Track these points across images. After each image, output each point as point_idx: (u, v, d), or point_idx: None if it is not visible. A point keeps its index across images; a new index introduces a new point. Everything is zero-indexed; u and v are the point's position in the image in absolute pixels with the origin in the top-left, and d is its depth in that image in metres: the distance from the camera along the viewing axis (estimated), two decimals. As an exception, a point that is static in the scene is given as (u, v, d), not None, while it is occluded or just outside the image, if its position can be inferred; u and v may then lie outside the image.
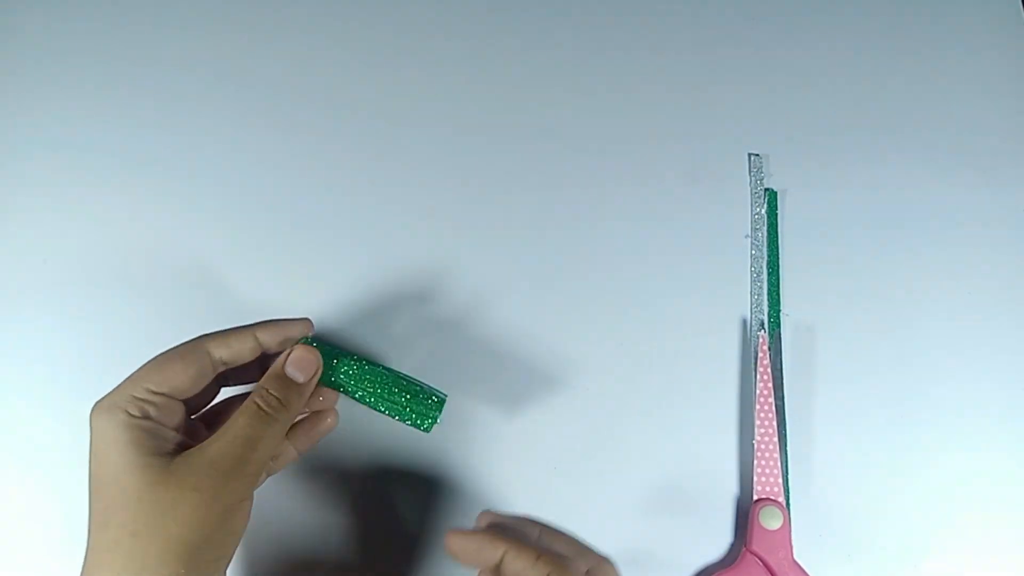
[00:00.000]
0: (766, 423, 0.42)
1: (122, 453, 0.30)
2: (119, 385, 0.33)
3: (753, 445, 0.41)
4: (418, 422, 0.37)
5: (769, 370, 0.43)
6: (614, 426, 0.42)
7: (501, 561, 0.30)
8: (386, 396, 0.37)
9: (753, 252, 0.46)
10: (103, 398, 0.32)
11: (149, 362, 0.33)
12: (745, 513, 0.41)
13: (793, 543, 0.39)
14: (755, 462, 0.41)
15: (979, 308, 0.46)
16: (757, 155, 0.48)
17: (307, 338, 0.37)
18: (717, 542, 0.40)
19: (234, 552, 0.32)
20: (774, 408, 0.42)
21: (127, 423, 0.31)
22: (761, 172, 0.48)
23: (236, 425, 0.32)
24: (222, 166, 0.47)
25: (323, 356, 0.36)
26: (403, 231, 0.46)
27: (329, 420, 0.39)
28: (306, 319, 0.37)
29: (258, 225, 0.46)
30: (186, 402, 0.34)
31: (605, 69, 0.51)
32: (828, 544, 0.40)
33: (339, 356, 0.37)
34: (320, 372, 0.36)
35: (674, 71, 0.51)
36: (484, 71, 0.51)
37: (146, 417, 0.32)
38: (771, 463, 0.41)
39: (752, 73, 0.51)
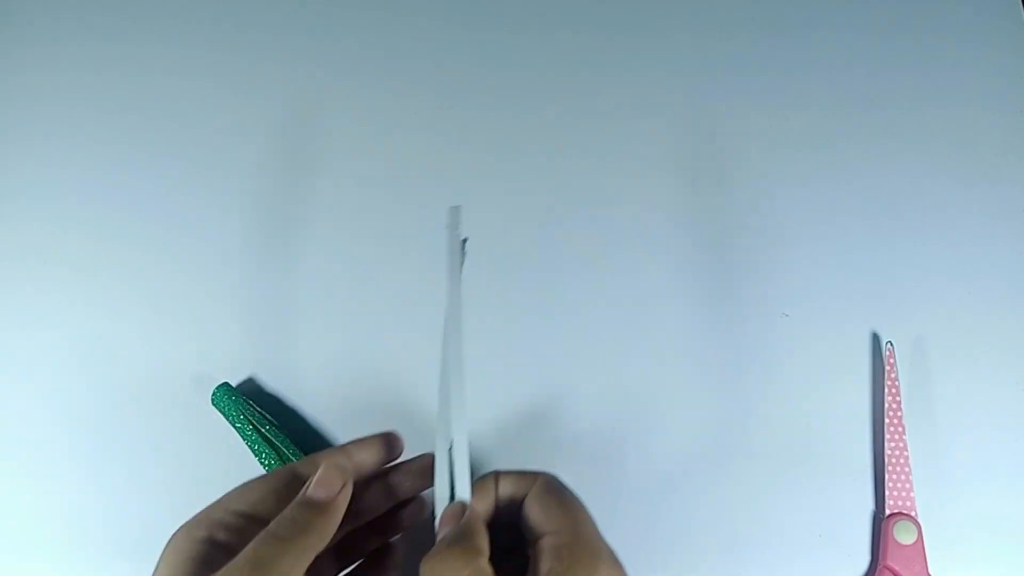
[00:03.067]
0: (896, 436, 0.42)
1: (166, 565, 0.30)
2: (205, 508, 0.32)
3: (884, 460, 0.41)
4: None
5: (897, 383, 0.43)
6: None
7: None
8: None
9: None
10: (187, 522, 0.32)
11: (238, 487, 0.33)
12: (880, 529, 0.41)
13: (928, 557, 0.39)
14: (887, 476, 0.41)
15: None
16: None
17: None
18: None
19: None
20: (903, 421, 0.42)
21: (185, 538, 0.30)
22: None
23: (245, 550, 0.30)
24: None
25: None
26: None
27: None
28: (388, 434, 0.36)
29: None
30: None
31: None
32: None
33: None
34: (349, 491, 0.32)
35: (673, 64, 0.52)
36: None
37: (210, 539, 0.30)
38: (903, 477, 0.41)
39: (752, 73, 0.51)
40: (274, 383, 0.44)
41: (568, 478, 0.32)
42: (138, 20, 0.54)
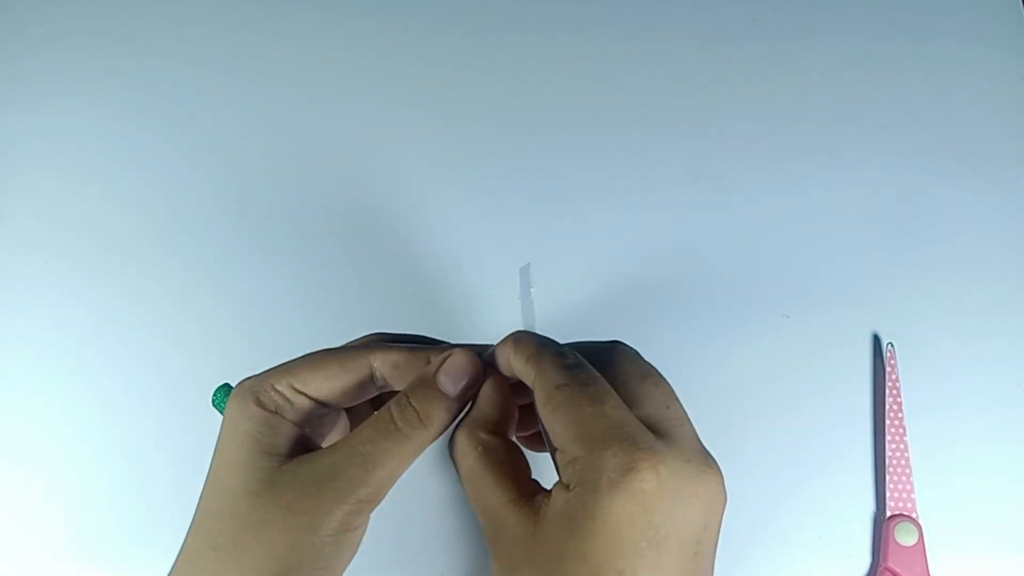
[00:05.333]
0: (896, 437, 0.41)
1: (238, 445, 0.27)
2: (268, 370, 0.29)
3: (885, 461, 0.41)
4: None
5: (898, 384, 0.42)
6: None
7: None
8: None
9: None
10: (246, 379, 0.29)
11: (306, 356, 0.29)
12: (880, 530, 0.41)
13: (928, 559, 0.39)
14: (887, 478, 0.41)
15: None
16: None
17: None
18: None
19: None
20: (904, 423, 0.42)
21: (254, 414, 0.27)
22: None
23: (357, 438, 0.27)
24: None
25: None
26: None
27: None
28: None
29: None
30: (341, 410, 0.31)
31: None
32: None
33: None
34: (478, 387, 0.28)
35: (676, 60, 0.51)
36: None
37: (277, 412, 0.28)
38: (903, 478, 0.41)
39: (752, 72, 0.51)
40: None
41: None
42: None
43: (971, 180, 0.48)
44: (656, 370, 0.28)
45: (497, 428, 0.28)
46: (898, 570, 0.39)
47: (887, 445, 0.41)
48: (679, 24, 0.53)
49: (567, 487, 0.24)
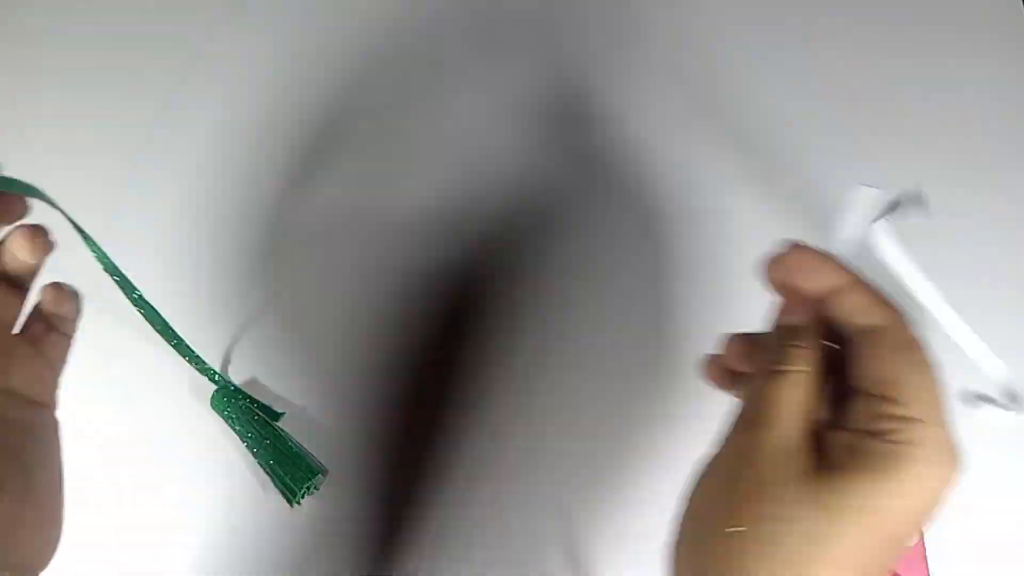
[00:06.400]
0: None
1: None
2: None
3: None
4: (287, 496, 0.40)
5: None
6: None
7: (833, 292, 0.26)
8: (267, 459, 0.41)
9: None
10: None
11: None
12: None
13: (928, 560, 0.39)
14: (888, 478, 0.41)
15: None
16: None
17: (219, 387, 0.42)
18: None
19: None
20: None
21: None
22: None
23: None
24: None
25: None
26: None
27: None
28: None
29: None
30: None
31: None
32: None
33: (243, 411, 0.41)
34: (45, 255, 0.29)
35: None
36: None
37: None
38: (904, 479, 0.41)
39: (752, 72, 0.51)
40: (277, 386, 0.44)
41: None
42: None
43: (972, 180, 0.48)
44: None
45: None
46: (899, 571, 0.39)
47: (887, 446, 0.41)
48: (679, 24, 0.53)
49: (884, 436, 0.23)
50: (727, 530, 0.23)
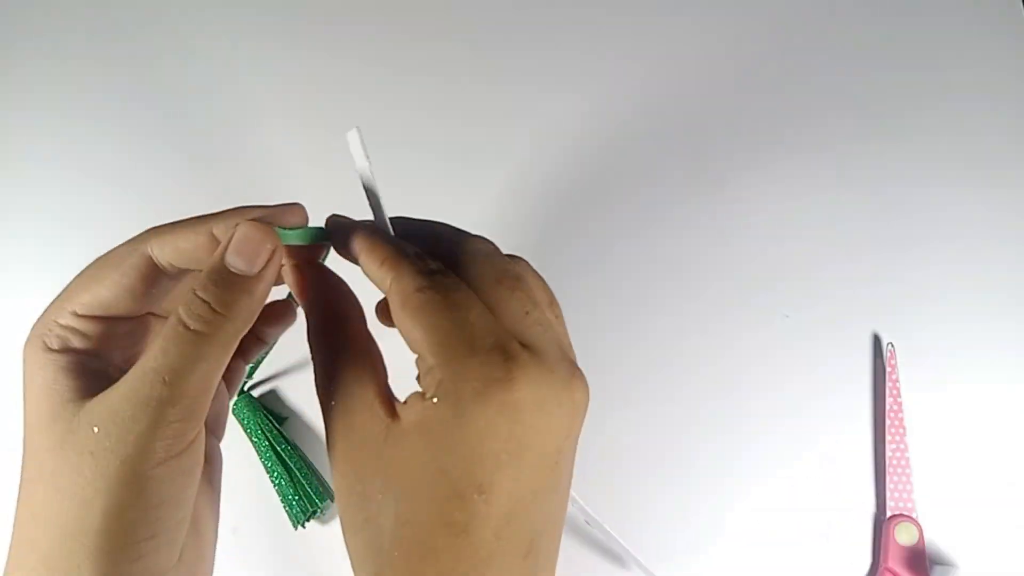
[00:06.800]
0: (897, 438, 0.42)
1: (36, 400, 0.24)
2: (49, 305, 0.25)
3: (885, 461, 0.41)
4: (292, 518, 0.41)
5: (898, 384, 0.42)
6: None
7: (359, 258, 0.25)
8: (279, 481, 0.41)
9: None
10: (33, 325, 0.25)
11: (79, 275, 0.25)
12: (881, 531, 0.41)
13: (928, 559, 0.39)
14: (888, 478, 0.41)
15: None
16: None
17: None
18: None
19: (183, 530, 0.25)
20: (904, 423, 0.42)
21: (44, 362, 0.24)
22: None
23: (149, 353, 0.23)
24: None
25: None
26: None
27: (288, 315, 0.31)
28: (295, 204, 0.27)
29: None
30: (137, 320, 0.27)
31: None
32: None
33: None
34: (278, 259, 0.25)
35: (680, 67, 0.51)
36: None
37: (67, 350, 0.24)
38: (903, 479, 0.41)
39: (753, 72, 0.51)
40: (295, 398, 0.44)
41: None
42: None
43: (971, 180, 0.48)
44: (513, 268, 0.25)
45: (356, 324, 0.26)
46: (898, 570, 0.39)
47: (887, 445, 0.41)
48: (678, 23, 0.53)
49: (426, 397, 0.22)
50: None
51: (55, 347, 0.24)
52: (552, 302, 0.26)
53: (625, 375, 0.44)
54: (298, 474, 0.41)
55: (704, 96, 0.51)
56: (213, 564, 0.28)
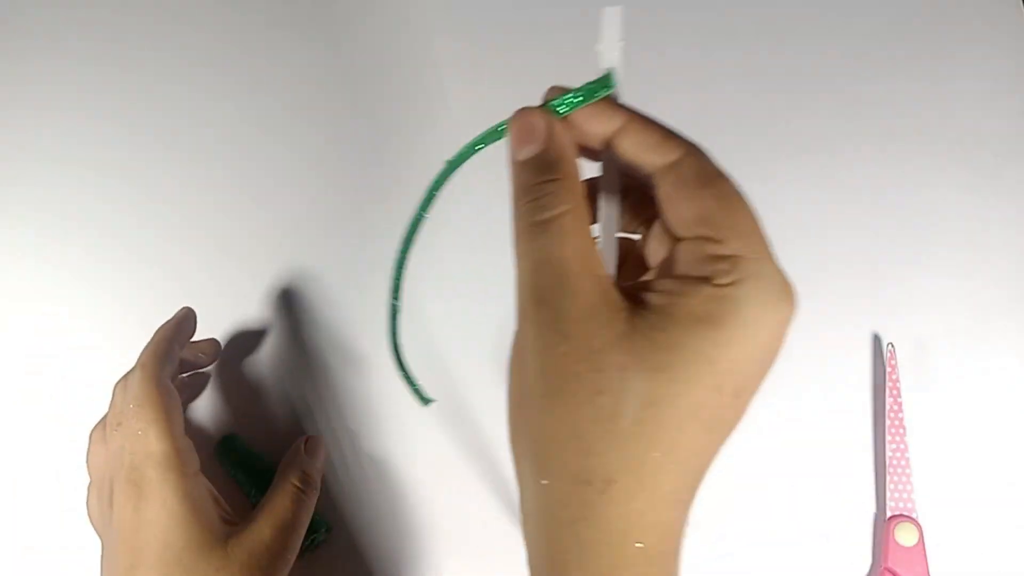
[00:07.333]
0: (897, 438, 0.41)
1: (180, 524, 0.28)
2: (155, 437, 0.30)
3: (885, 461, 0.41)
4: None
5: (898, 384, 0.42)
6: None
7: (616, 133, 0.24)
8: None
9: None
10: (157, 456, 0.29)
11: (147, 397, 0.31)
12: (881, 531, 0.41)
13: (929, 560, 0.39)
14: (888, 478, 0.41)
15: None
16: None
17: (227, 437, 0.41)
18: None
19: None
20: (904, 423, 0.42)
21: (182, 487, 0.29)
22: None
23: (282, 510, 0.32)
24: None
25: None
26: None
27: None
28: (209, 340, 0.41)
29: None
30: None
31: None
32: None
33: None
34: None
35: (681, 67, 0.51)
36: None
37: (197, 474, 0.31)
38: (904, 479, 0.41)
39: (753, 72, 0.51)
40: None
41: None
42: None
43: (971, 180, 0.48)
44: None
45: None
46: (898, 570, 0.39)
47: (887, 445, 0.41)
48: (678, 23, 0.53)
49: (708, 280, 0.21)
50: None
51: (190, 471, 0.30)
52: None
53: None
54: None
55: (703, 96, 0.51)
56: None
